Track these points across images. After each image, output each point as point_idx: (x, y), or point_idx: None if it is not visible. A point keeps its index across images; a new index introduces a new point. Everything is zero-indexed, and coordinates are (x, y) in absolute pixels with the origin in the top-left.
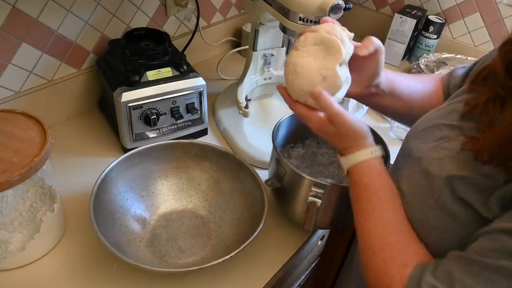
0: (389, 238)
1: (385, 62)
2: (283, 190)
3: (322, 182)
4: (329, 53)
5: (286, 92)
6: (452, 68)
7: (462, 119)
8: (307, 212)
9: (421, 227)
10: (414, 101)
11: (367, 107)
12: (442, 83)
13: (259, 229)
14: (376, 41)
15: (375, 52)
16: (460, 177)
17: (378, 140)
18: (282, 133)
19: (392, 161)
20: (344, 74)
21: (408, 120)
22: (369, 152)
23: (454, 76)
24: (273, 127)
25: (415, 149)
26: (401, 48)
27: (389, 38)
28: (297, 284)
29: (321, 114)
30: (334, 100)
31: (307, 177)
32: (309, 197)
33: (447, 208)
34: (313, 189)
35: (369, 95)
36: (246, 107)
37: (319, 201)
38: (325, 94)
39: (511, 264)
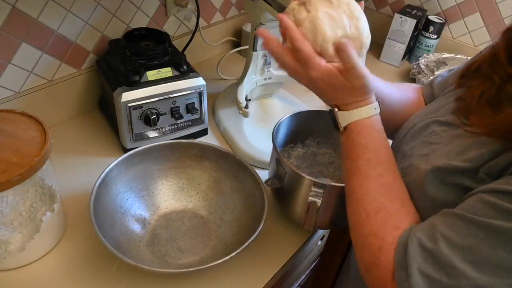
0: (385, 200)
1: (385, 62)
2: (283, 190)
3: (322, 182)
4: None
5: (289, 21)
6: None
7: (452, 114)
8: (307, 212)
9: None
10: (394, 109)
11: None
12: (423, 92)
13: (259, 229)
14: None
15: None
16: (445, 166)
17: None
18: (282, 133)
19: None
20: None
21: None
22: (373, 108)
23: (436, 83)
24: (273, 127)
25: (405, 147)
26: (401, 48)
27: (389, 38)
28: (297, 284)
29: (323, 63)
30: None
31: (307, 177)
32: (309, 197)
33: (436, 199)
34: (313, 189)
35: None
36: (246, 107)
37: (319, 201)
38: (351, 47)
39: (491, 221)
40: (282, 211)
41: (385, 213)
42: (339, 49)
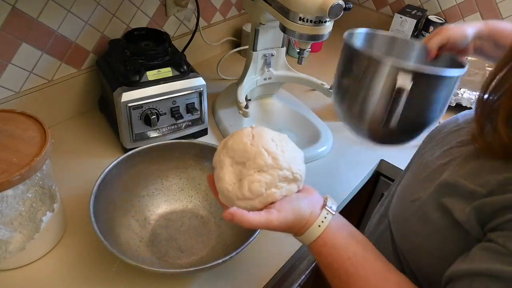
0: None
1: None
2: (359, 88)
3: (410, 69)
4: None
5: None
6: None
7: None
8: (392, 104)
9: (400, 230)
10: None
11: None
12: None
13: (259, 229)
14: (437, 39)
15: (447, 43)
16: (449, 183)
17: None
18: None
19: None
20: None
21: None
22: (320, 223)
23: None
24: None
25: (426, 153)
26: None
27: None
28: (297, 284)
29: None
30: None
31: (393, 62)
32: (397, 83)
33: (427, 213)
34: (401, 74)
35: (478, 48)
36: (246, 107)
37: (408, 85)
38: (239, 214)
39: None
40: (352, 117)
41: None
42: (231, 221)
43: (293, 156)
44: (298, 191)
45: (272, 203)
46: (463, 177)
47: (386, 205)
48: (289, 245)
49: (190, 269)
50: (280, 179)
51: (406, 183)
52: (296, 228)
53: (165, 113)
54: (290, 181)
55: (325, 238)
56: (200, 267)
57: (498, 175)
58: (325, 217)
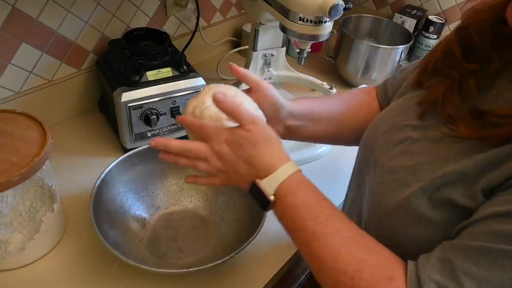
0: (359, 254)
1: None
2: None
3: None
4: None
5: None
6: None
7: (421, 118)
8: None
9: (390, 240)
10: (343, 118)
11: None
12: (377, 93)
13: (259, 229)
14: (253, 79)
15: (257, 89)
16: (434, 180)
17: None
18: None
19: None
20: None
21: (345, 138)
22: (293, 163)
23: (389, 84)
24: None
25: (382, 157)
26: None
27: None
28: (297, 284)
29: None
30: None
31: None
32: None
33: (422, 215)
34: None
35: (291, 129)
36: None
37: None
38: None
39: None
40: None
41: (369, 269)
42: (218, 101)
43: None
44: None
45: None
46: (445, 166)
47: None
48: (289, 245)
49: (190, 269)
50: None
51: (376, 198)
52: (277, 153)
53: (165, 113)
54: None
55: (301, 173)
56: (200, 267)
57: (482, 154)
58: (293, 166)
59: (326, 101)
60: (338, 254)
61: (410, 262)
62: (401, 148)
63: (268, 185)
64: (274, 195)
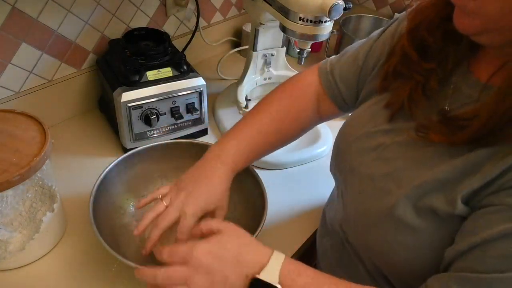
0: None
1: None
2: None
3: None
4: None
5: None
6: None
7: (391, 121)
8: None
9: (378, 250)
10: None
11: None
12: (322, 82)
13: (259, 229)
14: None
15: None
16: (417, 188)
17: None
18: None
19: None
20: None
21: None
22: (276, 250)
23: (337, 74)
24: None
25: (357, 165)
26: None
27: None
28: None
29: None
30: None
31: None
32: None
33: (408, 224)
34: None
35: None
36: (246, 107)
37: None
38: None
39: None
40: None
41: None
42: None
43: None
44: None
45: None
46: (421, 171)
47: (340, 231)
48: (289, 245)
49: None
50: None
51: (360, 208)
52: (250, 244)
53: (165, 113)
54: None
55: (288, 259)
56: None
57: (458, 159)
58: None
59: (266, 138)
60: None
61: None
62: (375, 155)
63: (269, 274)
64: (279, 282)
